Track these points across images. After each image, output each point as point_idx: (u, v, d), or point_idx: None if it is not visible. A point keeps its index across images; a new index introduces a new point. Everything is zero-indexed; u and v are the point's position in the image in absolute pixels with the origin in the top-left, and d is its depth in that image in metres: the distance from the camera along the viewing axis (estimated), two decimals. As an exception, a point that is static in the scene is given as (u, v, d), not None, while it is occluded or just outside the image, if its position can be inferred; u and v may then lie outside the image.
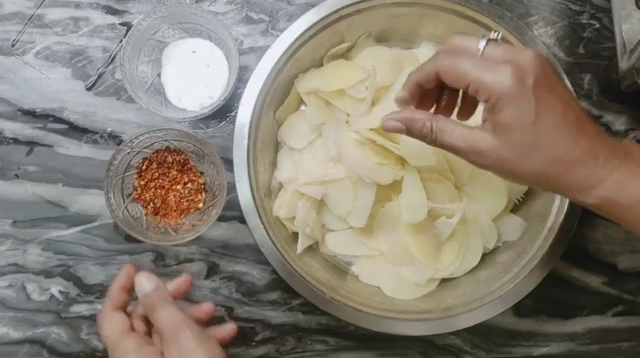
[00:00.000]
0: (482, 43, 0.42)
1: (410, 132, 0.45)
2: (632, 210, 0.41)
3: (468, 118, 0.48)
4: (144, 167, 0.60)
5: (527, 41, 0.57)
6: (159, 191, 0.60)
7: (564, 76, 0.57)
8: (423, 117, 0.44)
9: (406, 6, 0.59)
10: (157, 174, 0.60)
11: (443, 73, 0.43)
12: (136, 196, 0.60)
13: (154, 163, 0.60)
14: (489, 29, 0.58)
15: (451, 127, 0.43)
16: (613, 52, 0.63)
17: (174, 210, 0.60)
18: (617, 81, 0.61)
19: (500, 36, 0.43)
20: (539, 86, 0.40)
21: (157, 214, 0.60)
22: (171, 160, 0.60)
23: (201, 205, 0.61)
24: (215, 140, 0.63)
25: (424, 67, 0.44)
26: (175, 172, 0.60)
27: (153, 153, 0.60)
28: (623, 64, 0.59)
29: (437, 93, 0.47)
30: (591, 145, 0.41)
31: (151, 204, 0.60)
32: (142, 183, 0.60)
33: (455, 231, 0.59)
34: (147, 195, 0.60)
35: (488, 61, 0.41)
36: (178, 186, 0.60)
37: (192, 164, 0.61)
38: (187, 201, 0.60)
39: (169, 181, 0.60)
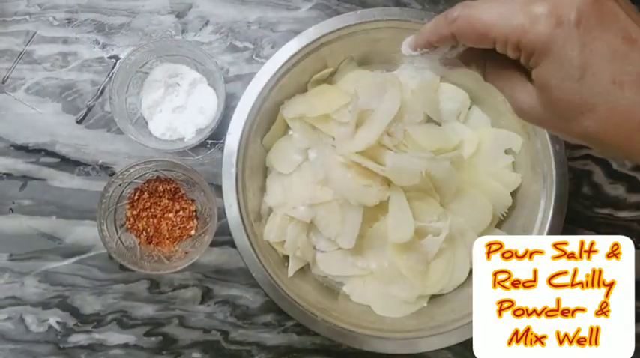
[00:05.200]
0: None
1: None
2: None
3: None
4: (136, 197, 0.61)
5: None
6: (151, 220, 0.61)
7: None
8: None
9: (385, 31, 0.60)
10: (148, 204, 0.61)
11: (461, 37, 0.33)
12: (129, 226, 0.61)
13: (145, 193, 0.61)
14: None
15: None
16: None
17: (167, 238, 0.61)
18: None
19: None
20: (587, 25, 0.29)
21: (150, 243, 0.61)
22: (162, 189, 0.62)
23: (193, 232, 0.62)
24: (205, 167, 0.64)
25: (437, 30, 0.35)
26: (167, 201, 0.62)
27: (144, 183, 0.62)
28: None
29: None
30: None
31: (144, 233, 0.61)
32: (135, 213, 0.61)
33: (442, 248, 0.60)
34: (139, 225, 0.61)
35: (516, 1, 0.31)
36: (170, 215, 0.62)
37: (183, 192, 0.62)
38: (180, 228, 0.62)
39: (161, 210, 0.62)
